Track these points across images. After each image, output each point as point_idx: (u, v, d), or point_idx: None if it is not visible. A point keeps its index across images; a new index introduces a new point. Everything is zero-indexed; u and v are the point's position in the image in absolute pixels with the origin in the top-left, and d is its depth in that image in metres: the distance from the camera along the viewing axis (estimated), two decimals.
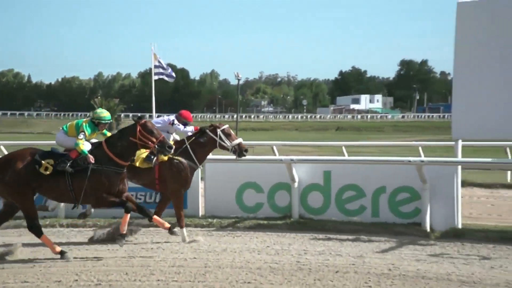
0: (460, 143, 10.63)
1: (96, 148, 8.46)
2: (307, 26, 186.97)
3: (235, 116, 58.91)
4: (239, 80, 52.83)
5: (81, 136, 8.38)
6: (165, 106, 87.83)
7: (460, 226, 10.05)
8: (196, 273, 7.54)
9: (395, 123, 70.23)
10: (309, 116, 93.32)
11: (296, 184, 10.81)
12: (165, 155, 8.89)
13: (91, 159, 8.23)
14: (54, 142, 9.07)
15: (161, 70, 16.91)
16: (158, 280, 7.29)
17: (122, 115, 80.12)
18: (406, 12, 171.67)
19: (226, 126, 9.67)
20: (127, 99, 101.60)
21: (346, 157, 15.75)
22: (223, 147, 9.52)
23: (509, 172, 16.09)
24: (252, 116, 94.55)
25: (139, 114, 9.51)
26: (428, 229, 9.93)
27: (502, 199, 13.85)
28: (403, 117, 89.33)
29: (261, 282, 7.17)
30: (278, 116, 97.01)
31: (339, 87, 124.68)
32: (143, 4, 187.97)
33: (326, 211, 10.76)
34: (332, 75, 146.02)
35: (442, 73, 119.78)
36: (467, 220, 10.58)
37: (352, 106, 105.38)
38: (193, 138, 9.54)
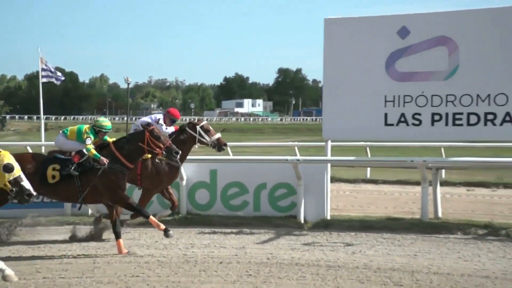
0: (330, 143, 11.08)
1: (103, 148, 8.41)
2: (194, 34, 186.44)
3: (125, 118, 57.57)
4: (128, 84, 51.75)
5: (89, 141, 8.32)
6: (55, 108, 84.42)
7: (329, 217, 10.49)
8: (84, 269, 7.39)
9: (274, 126, 71.64)
10: (196, 119, 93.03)
11: (184, 182, 10.85)
12: (172, 160, 8.61)
13: (105, 160, 8.15)
14: None
15: (49, 73, 16.25)
16: (45, 278, 7.03)
17: (8, 116, 75.99)
18: (284, 25, 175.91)
19: (204, 122, 9.61)
20: (14, 101, 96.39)
21: (231, 156, 15.94)
22: (203, 143, 9.41)
23: (368, 169, 16.93)
24: None
25: (147, 122, 9.16)
26: (302, 221, 10.27)
27: (363, 193, 14.55)
28: (281, 120, 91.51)
29: (149, 275, 7.16)
30: None
31: (224, 92, 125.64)
32: (29, 7, 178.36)
33: (212, 207, 10.89)
34: (218, 80, 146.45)
35: (314, 80, 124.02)
36: (335, 212, 11.03)
37: (236, 109, 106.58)
38: (174, 136, 9.27)
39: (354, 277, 6.99)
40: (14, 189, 5.84)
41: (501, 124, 9.84)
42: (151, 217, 8.28)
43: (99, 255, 8.15)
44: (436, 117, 10.23)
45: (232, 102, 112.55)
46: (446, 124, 10.18)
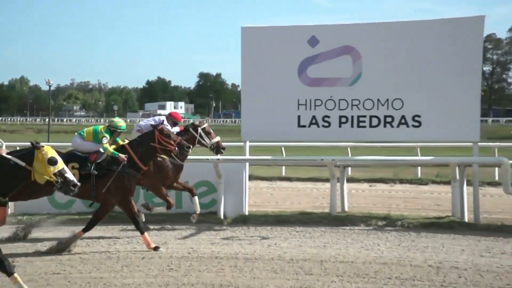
0: (248, 144, 11.22)
1: (120, 150, 8.29)
2: (116, 37, 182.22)
3: (47, 119, 55.40)
4: (50, 86, 49.74)
5: (105, 140, 8.23)
6: None
7: (247, 213, 10.63)
8: None
9: None
10: (198, 121, 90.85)
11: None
12: (184, 155, 8.65)
13: (124, 157, 8.05)
14: None
15: None
16: None
17: None
18: (204, 31, 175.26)
19: (206, 125, 9.45)
20: None
21: None
22: (202, 144, 9.29)
23: (283, 167, 17.24)
24: (65, 120, 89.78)
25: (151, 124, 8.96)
26: (222, 217, 10.34)
27: (279, 189, 14.83)
28: None
29: (71, 272, 7.00)
30: (90, 120, 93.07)
31: (147, 95, 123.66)
32: None
33: (136, 204, 10.68)
34: (140, 83, 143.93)
35: (233, 84, 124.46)
36: (252, 207, 11.20)
37: (159, 111, 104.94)
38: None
39: (269, 268, 7.14)
40: (59, 180, 5.86)
41: (397, 126, 10.35)
42: (145, 234, 8.13)
43: (19, 253, 7.85)
44: (343, 120, 10.60)
45: (155, 105, 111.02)
46: (352, 126, 10.56)
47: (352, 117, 10.52)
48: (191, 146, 8.59)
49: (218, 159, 10.79)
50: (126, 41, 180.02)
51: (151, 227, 9.52)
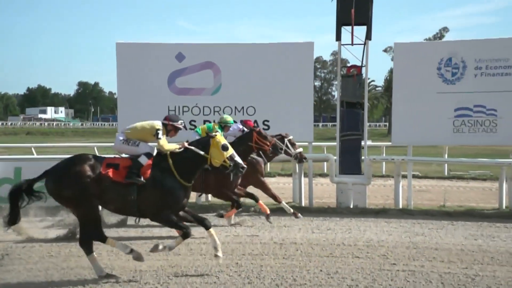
0: None
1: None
2: None
3: None
4: None
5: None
6: None
7: None
8: None
9: (75, 129, 67.21)
10: (0, 123, 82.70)
11: None
12: (276, 155, 8.69)
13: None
14: None
15: None
16: None
17: None
18: (82, 44, 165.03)
19: (291, 137, 8.87)
20: None
21: (35, 155, 14.69)
22: (288, 154, 8.79)
23: None
24: None
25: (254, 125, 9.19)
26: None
27: None
28: (82, 125, 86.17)
29: None
30: None
31: (27, 101, 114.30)
32: None
33: None
34: (21, 90, 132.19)
35: (110, 92, 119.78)
36: None
37: (40, 115, 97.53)
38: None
39: (142, 251, 6.93)
40: (231, 164, 5.81)
41: None
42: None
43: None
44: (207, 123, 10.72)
45: (36, 109, 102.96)
46: None
47: (214, 121, 10.67)
48: (283, 147, 8.56)
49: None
50: (8, 50, 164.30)
51: (33, 219, 8.82)
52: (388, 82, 49.02)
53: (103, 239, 5.86)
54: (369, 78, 11.21)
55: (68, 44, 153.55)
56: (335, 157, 10.58)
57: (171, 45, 10.92)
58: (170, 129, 6.24)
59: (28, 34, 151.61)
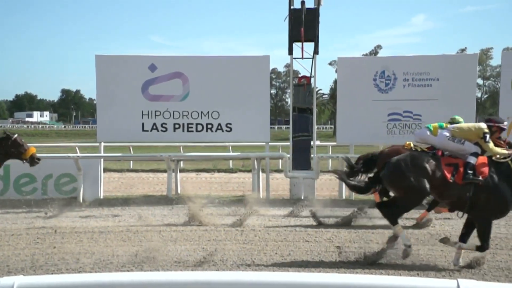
0: (102, 144, 10.72)
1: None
2: None
3: None
4: None
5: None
6: None
7: (102, 197, 10.15)
8: None
9: (59, 131, 64.97)
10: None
11: None
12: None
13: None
14: None
15: None
16: None
17: None
18: (64, 54, 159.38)
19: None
20: None
21: None
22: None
23: (131, 162, 16.58)
24: None
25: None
26: (82, 201, 9.78)
27: (127, 179, 13.82)
28: (65, 127, 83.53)
29: None
30: None
31: (16, 106, 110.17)
32: None
33: (5, 193, 9.77)
34: (10, 96, 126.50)
35: (90, 98, 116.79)
36: (106, 193, 10.66)
37: (27, 119, 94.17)
38: None
39: (119, 238, 6.91)
40: None
41: (215, 131, 10.67)
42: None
43: None
44: (177, 126, 10.63)
45: (24, 114, 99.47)
46: (183, 130, 10.63)
47: (183, 124, 10.60)
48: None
49: (78, 156, 10.22)
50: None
51: (20, 210, 8.56)
52: (333, 90, 49.95)
53: (397, 222, 5.40)
54: (317, 87, 11.35)
55: (52, 56, 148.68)
56: (288, 155, 10.69)
57: (145, 57, 10.76)
58: (495, 130, 5.48)
59: (17, 46, 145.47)
